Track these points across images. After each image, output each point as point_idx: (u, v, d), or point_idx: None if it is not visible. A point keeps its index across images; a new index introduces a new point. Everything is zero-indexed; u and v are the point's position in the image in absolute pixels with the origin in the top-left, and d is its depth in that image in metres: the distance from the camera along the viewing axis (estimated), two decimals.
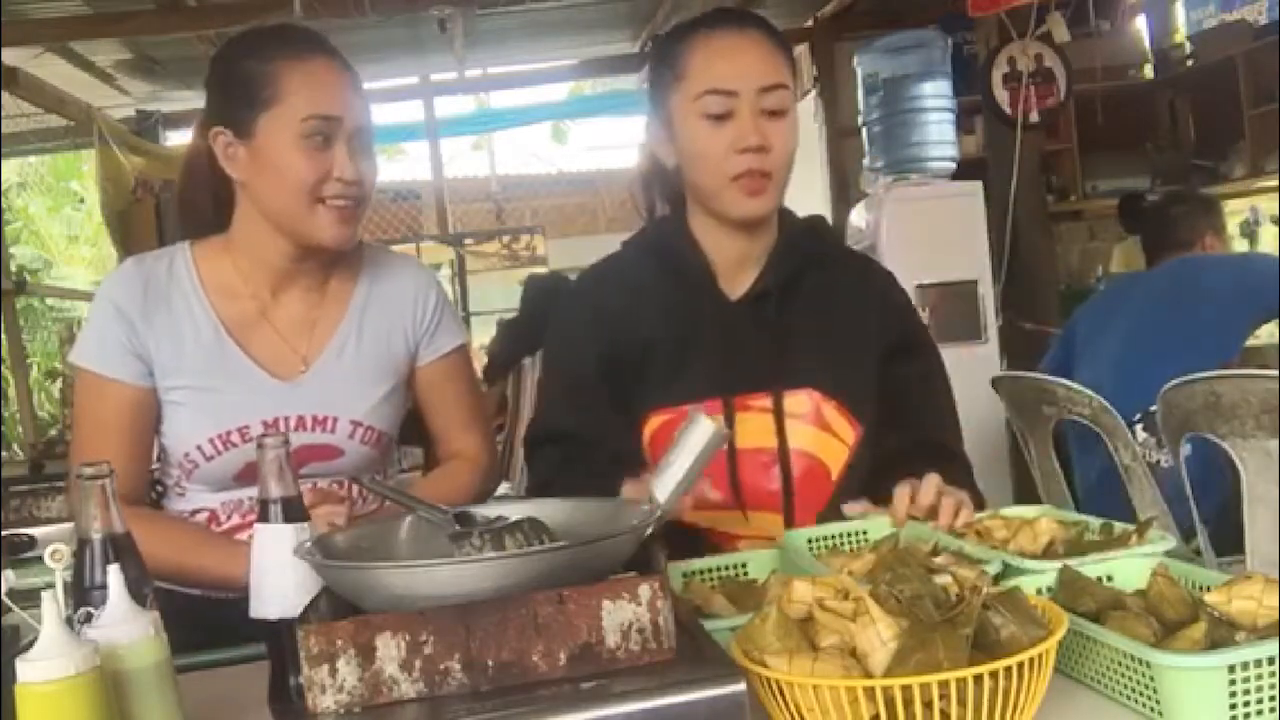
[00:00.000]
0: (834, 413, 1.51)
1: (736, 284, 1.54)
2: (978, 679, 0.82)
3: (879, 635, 0.87)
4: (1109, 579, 1.10)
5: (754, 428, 1.49)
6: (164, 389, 1.50)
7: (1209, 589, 1.02)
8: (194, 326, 1.50)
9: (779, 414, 1.49)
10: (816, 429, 1.50)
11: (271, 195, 1.46)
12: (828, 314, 1.54)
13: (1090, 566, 1.11)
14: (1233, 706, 0.87)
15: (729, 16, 1.50)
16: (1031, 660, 0.84)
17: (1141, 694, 0.92)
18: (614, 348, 1.52)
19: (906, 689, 0.82)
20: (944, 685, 0.82)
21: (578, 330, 1.57)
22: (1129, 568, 1.12)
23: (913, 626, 0.87)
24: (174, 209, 1.62)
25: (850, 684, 0.84)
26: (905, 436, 1.53)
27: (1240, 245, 5.12)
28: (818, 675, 0.85)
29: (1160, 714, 0.90)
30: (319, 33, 1.53)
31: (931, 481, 1.31)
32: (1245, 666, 0.86)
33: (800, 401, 1.50)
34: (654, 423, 1.50)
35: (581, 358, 1.54)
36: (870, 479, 1.49)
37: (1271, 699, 0.87)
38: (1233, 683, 0.86)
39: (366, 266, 1.60)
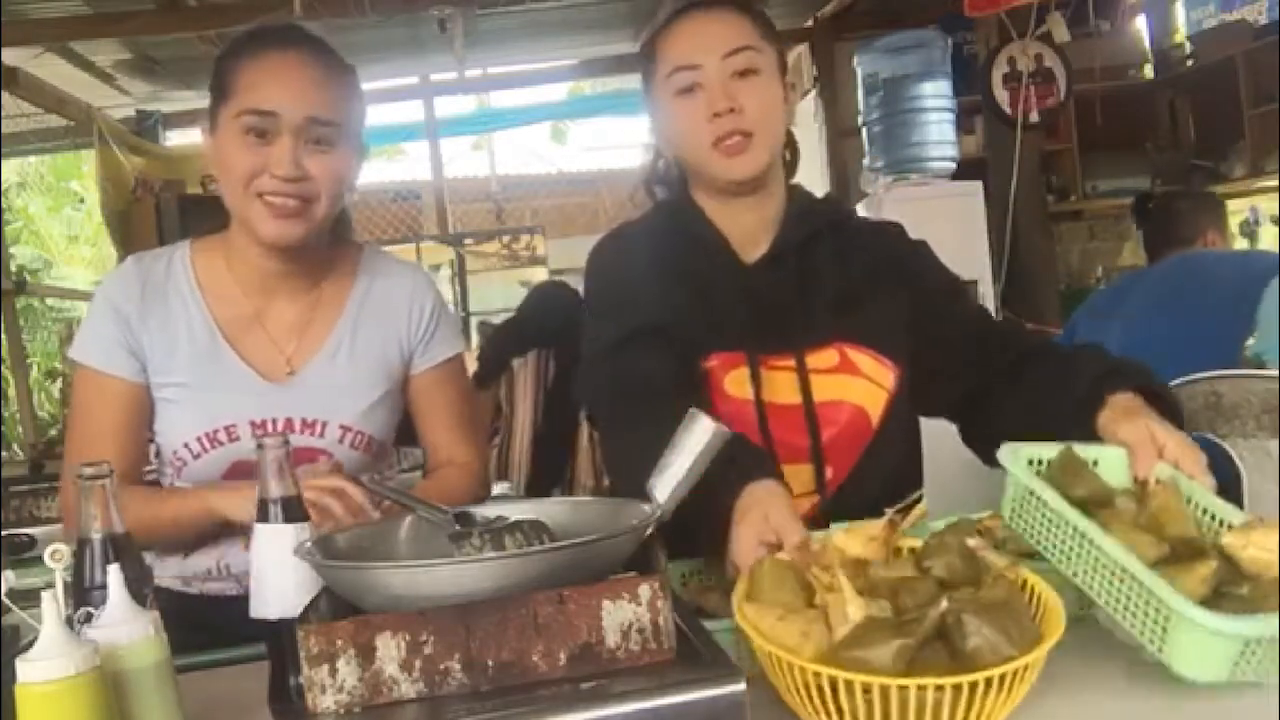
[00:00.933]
0: (866, 359, 1.51)
1: (751, 250, 1.55)
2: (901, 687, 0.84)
3: (846, 613, 0.90)
4: (1095, 464, 1.11)
5: (781, 384, 1.49)
6: (156, 386, 1.50)
7: (1208, 512, 1.03)
8: (188, 326, 1.51)
9: (802, 372, 1.49)
10: (849, 377, 1.51)
11: (222, 189, 1.48)
12: (845, 269, 1.55)
13: (1081, 450, 1.12)
14: (1235, 664, 0.90)
15: (696, 2, 1.53)
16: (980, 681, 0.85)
17: (1147, 617, 0.93)
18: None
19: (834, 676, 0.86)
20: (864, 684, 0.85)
21: (632, 260, 1.56)
22: (1117, 461, 1.13)
23: (869, 620, 0.88)
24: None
25: (774, 650, 0.89)
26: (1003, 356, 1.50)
27: (1240, 245, 5.11)
28: (773, 633, 0.90)
29: (1160, 649, 0.92)
30: (301, 29, 1.51)
31: (1176, 438, 1.19)
32: (1260, 641, 0.89)
33: (828, 357, 1.51)
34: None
35: (649, 277, 1.52)
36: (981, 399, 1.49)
37: (1271, 659, 0.90)
38: (1245, 646, 0.89)
39: (364, 270, 1.59)
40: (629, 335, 1.47)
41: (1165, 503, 1.02)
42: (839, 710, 0.87)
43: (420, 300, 1.60)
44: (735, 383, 1.48)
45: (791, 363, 1.50)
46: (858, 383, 1.51)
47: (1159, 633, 0.92)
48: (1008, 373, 1.47)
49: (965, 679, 0.84)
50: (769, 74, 1.50)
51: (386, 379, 1.57)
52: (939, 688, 0.84)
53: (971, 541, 1.15)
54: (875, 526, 1.05)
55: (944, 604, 0.89)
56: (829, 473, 1.50)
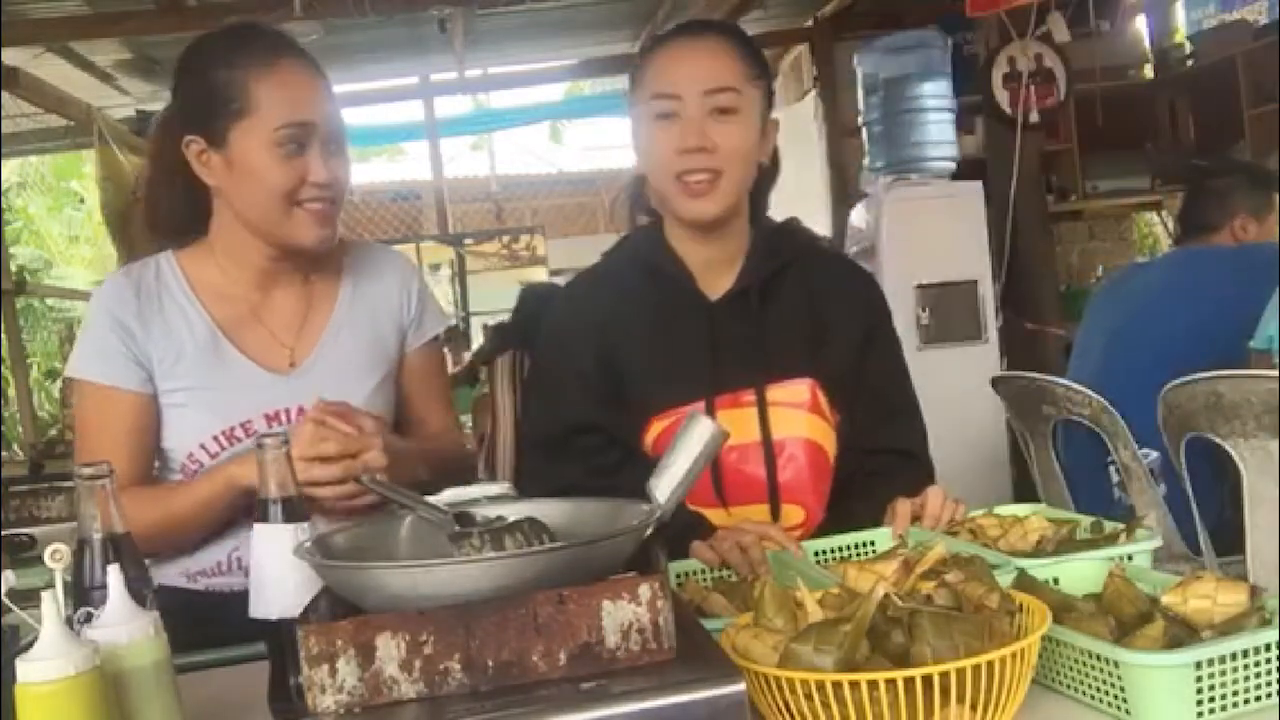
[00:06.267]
0: (824, 400, 1.54)
1: (716, 286, 1.56)
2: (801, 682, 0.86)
3: (807, 614, 0.92)
4: (1055, 581, 1.11)
5: (740, 423, 1.50)
6: (164, 392, 1.50)
7: (1163, 590, 1.03)
8: (189, 328, 1.51)
9: (762, 406, 1.51)
10: (814, 415, 1.53)
11: (248, 202, 1.47)
12: (811, 307, 1.57)
13: (1039, 569, 1.11)
14: (1199, 702, 0.89)
15: (692, 25, 1.55)
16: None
17: (1107, 692, 0.93)
18: (606, 352, 1.54)
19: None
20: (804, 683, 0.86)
21: (576, 333, 1.58)
22: (1078, 571, 1.13)
23: (819, 622, 0.89)
24: (143, 213, 1.60)
25: (730, 641, 0.92)
26: (879, 440, 1.57)
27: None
28: (739, 640, 0.92)
29: (1127, 712, 0.91)
30: (285, 34, 1.54)
31: (937, 496, 1.35)
32: (1211, 663, 0.89)
33: (798, 391, 1.52)
34: (655, 429, 1.51)
35: (583, 357, 1.55)
36: (847, 482, 1.55)
37: (1234, 694, 0.90)
38: (1199, 679, 0.89)
39: (348, 258, 1.63)
40: (555, 438, 1.55)
41: (1118, 589, 1.03)
42: (789, 710, 0.87)
43: (408, 282, 1.65)
44: None
45: (752, 397, 1.51)
46: (819, 422, 1.53)
47: (1119, 696, 0.92)
48: (872, 462, 1.57)
49: (900, 674, 0.83)
50: (748, 114, 1.48)
51: (385, 360, 1.61)
52: (873, 685, 0.83)
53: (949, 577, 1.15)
54: (888, 567, 1.04)
55: (880, 591, 0.89)
56: (802, 512, 1.52)
